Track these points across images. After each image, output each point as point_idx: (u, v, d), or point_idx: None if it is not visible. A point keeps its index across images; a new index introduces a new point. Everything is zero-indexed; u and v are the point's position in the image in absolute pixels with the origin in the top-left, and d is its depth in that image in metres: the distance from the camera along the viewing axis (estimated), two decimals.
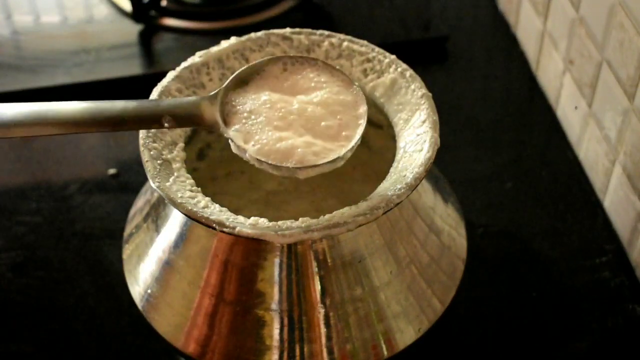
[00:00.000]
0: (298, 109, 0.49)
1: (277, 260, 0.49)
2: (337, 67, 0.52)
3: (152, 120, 0.48)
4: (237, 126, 0.48)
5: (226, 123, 0.48)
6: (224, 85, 0.50)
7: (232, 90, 0.50)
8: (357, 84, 0.51)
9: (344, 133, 0.48)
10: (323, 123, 0.48)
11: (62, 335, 0.62)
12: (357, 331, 0.51)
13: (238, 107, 0.49)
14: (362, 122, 0.49)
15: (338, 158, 0.47)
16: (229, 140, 0.48)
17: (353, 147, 0.48)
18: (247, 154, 0.47)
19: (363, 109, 0.50)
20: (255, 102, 0.49)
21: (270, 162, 0.47)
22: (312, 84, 0.50)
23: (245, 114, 0.48)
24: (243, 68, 0.51)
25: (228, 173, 0.64)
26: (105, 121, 0.47)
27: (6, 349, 0.61)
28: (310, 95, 0.50)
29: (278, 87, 0.50)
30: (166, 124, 0.48)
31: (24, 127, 0.47)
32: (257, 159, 0.47)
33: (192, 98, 0.49)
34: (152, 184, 0.49)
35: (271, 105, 0.49)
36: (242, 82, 0.50)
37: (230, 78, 0.50)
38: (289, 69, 0.51)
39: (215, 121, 0.48)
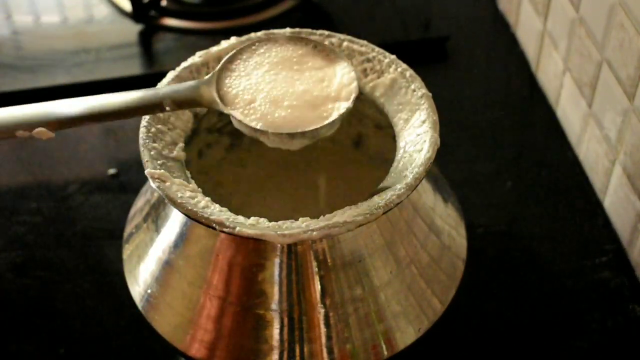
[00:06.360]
0: (290, 83, 0.51)
1: (277, 260, 0.49)
2: (325, 43, 0.54)
3: (154, 106, 0.50)
4: (236, 102, 0.51)
5: (224, 103, 0.51)
6: (217, 69, 0.52)
7: (224, 74, 0.52)
8: (341, 55, 0.53)
9: (336, 104, 0.51)
10: (315, 93, 0.51)
11: (62, 335, 0.62)
12: (357, 331, 0.51)
13: (232, 89, 0.51)
14: (354, 87, 0.51)
15: (334, 121, 0.49)
16: (231, 117, 0.50)
17: (348, 108, 0.50)
18: (247, 128, 0.50)
19: (349, 75, 0.51)
20: (248, 80, 0.52)
21: (271, 131, 0.49)
22: (297, 60, 0.53)
23: (240, 93, 0.51)
24: (231, 53, 0.53)
25: (228, 172, 0.64)
26: (111, 113, 0.50)
27: (6, 349, 0.61)
28: (300, 68, 0.52)
29: (268, 65, 0.53)
30: (167, 107, 0.50)
31: (24, 128, 0.48)
32: (259, 130, 0.49)
33: (190, 82, 0.52)
34: (152, 184, 0.49)
35: (264, 81, 0.51)
36: (231, 68, 0.53)
37: (222, 62, 0.52)
38: (274, 49, 0.53)
39: (213, 100, 0.51)
